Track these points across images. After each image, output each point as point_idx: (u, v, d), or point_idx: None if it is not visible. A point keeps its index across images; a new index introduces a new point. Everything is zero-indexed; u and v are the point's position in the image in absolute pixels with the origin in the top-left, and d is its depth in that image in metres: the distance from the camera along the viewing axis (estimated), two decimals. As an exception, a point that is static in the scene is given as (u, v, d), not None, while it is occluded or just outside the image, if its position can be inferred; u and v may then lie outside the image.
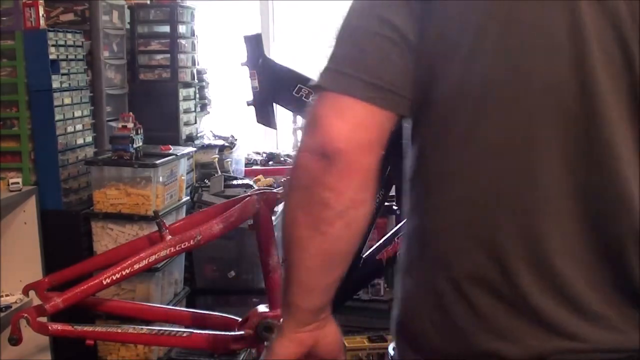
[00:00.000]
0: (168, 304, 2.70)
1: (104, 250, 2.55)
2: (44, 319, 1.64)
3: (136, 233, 2.54)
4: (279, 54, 4.01)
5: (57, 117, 2.59)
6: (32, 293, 2.03)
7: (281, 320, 0.98)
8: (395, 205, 2.22)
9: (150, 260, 1.44)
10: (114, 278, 1.52)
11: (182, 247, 1.62)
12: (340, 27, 0.90)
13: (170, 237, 1.62)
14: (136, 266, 1.48)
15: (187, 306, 2.96)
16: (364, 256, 2.04)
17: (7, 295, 2.50)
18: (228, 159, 3.35)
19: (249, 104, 1.65)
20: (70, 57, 2.68)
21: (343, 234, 0.90)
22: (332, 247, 0.91)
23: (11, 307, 2.44)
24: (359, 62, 0.88)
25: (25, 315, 1.56)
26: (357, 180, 0.89)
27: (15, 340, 1.60)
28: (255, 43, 1.53)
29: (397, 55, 0.87)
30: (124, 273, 1.50)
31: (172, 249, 1.61)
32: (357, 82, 0.87)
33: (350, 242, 0.93)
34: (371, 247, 2.07)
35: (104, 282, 1.54)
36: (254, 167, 3.60)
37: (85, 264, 1.77)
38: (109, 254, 1.77)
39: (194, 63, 3.38)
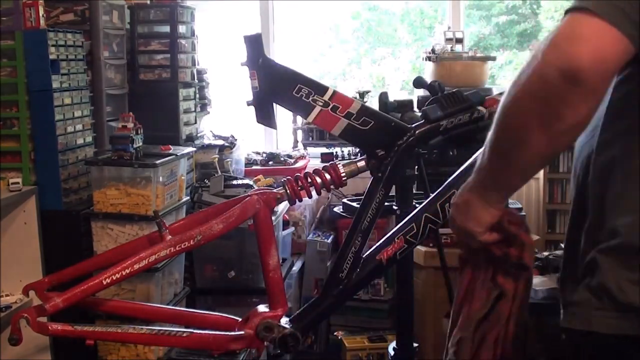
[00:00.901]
0: (168, 304, 2.70)
1: (104, 250, 2.56)
2: (44, 319, 1.64)
3: (136, 233, 2.54)
4: (279, 54, 4.01)
5: (57, 117, 2.59)
6: (32, 293, 2.03)
7: (481, 194, 1.19)
8: (395, 206, 2.21)
9: (150, 260, 1.44)
10: (114, 278, 1.52)
11: (182, 247, 1.62)
12: None
13: (170, 237, 1.62)
14: (136, 266, 1.48)
15: (187, 306, 2.96)
16: (364, 256, 2.04)
17: (7, 295, 2.50)
18: (228, 159, 3.35)
19: (249, 104, 1.65)
20: (70, 57, 2.68)
21: (564, 144, 1.08)
22: (549, 151, 1.09)
23: (11, 307, 2.44)
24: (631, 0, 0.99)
25: (25, 315, 1.56)
26: (595, 103, 1.02)
27: (16, 340, 1.60)
28: (255, 43, 1.53)
29: None
30: (124, 273, 1.50)
31: (172, 249, 1.61)
32: (626, 18, 0.98)
33: (560, 151, 1.21)
34: (371, 247, 2.07)
35: (104, 282, 1.53)
36: (254, 167, 3.60)
37: (85, 264, 1.77)
38: (109, 254, 1.77)
39: (194, 63, 3.38)
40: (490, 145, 1.14)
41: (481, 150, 1.18)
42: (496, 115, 1.11)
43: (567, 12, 1.03)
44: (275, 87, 1.68)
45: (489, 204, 1.19)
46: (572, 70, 0.97)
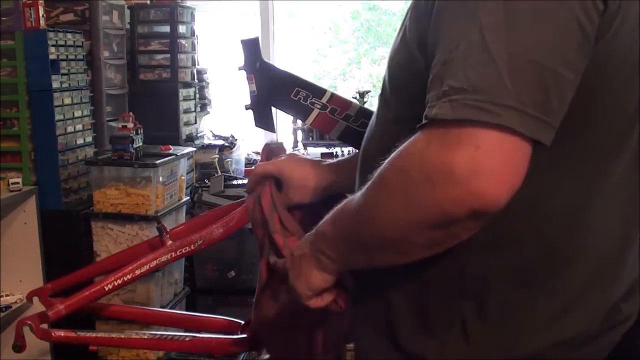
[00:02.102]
0: (168, 304, 2.71)
1: (104, 250, 2.56)
2: (46, 326, 1.65)
3: (136, 233, 2.54)
4: (278, 54, 4.02)
5: (57, 117, 2.59)
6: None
7: (317, 257, 0.99)
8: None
9: (151, 266, 1.45)
10: (116, 284, 1.53)
11: (183, 252, 1.63)
12: (516, 59, 0.78)
13: (171, 242, 1.62)
14: (137, 272, 1.49)
15: (187, 306, 2.96)
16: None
17: (7, 295, 2.51)
18: (228, 159, 3.35)
19: (247, 108, 1.65)
20: (70, 57, 2.68)
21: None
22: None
23: (11, 307, 2.44)
24: (546, 105, 0.79)
25: (29, 322, 1.57)
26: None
27: (20, 347, 1.62)
28: (252, 47, 1.53)
29: (571, 96, 0.83)
30: (125, 279, 1.51)
31: (173, 254, 1.61)
32: (546, 127, 0.80)
33: None
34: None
35: (106, 288, 1.54)
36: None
37: (88, 270, 1.78)
38: (111, 260, 1.78)
39: (194, 63, 3.38)
40: (347, 233, 0.93)
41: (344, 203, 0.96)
42: (362, 217, 0.89)
43: (439, 120, 0.80)
44: (273, 90, 1.68)
45: (324, 270, 0.98)
46: (486, 209, 0.78)
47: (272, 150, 1.35)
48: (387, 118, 1.01)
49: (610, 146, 0.91)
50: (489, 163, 0.77)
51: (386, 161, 0.85)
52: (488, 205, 0.78)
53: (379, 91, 1.06)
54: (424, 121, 0.81)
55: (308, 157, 1.34)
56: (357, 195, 0.91)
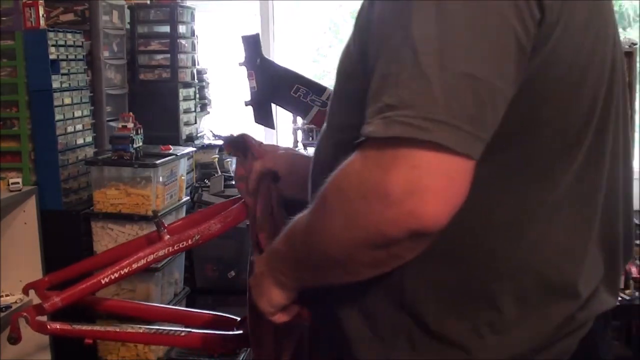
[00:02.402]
0: (168, 304, 2.71)
1: (104, 250, 2.56)
2: (43, 318, 1.64)
3: (136, 233, 2.54)
4: (278, 54, 4.02)
5: (57, 117, 2.59)
6: (31, 293, 2.03)
7: (274, 275, 0.98)
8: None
9: (148, 260, 1.44)
10: (113, 277, 1.52)
11: (181, 246, 1.63)
12: (449, 72, 0.75)
13: (168, 236, 1.62)
14: (134, 265, 1.49)
15: (187, 306, 2.96)
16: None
17: (7, 295, 2.51)
18: (228, 159, 3.35)
19: (247, 104, 1.66)
20: (70, 57, 2.68)
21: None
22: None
23: (11, 307, 2.44)
24: (478, 119, 0.76)
25: (25, 314, 1.56)
26: None
27: (15, 339, 1.61)
28: (253, 43, 1.53)
29: (504, 108, 0.80)
30: (122, 272, 1.51)
31: (170, 248, 1.61)
32: (478, 142, 0.76)
33: None
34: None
35: (102, 282, 1.54)
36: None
37: (85, 263, 1.78)
38: (109, 254, 1.77)
39: (194, 63, 3.38)
40: (298, 252, 0.92)
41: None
42: (308, 238, 0.88)
43: (375, 137, 0.77)
44: (273, 87, 1.68)
45: (283, 287, 0.98)
46: (424, 229, 0.76)
47: (237, 144, 1.35)
48: (332, 124, 1.00)
49: (555, 156, 0.88)
50: (425, 182, 0.74)
51: (328, 180, 0.83)
52: (426, 225, 0.75)
53: None
54: (360, 139, 0.79)
55: (304, 153, 1.34)
56: (306, 212, 0.90)
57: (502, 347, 0.90)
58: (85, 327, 1.70)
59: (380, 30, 0.82)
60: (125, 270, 1.50)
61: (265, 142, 1.20)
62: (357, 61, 0.89)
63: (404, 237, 0.77)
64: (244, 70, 1.70)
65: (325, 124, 1.03)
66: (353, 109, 0.87)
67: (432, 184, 0.74)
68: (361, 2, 0.91)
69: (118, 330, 1.70)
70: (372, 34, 0.85)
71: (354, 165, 0.79)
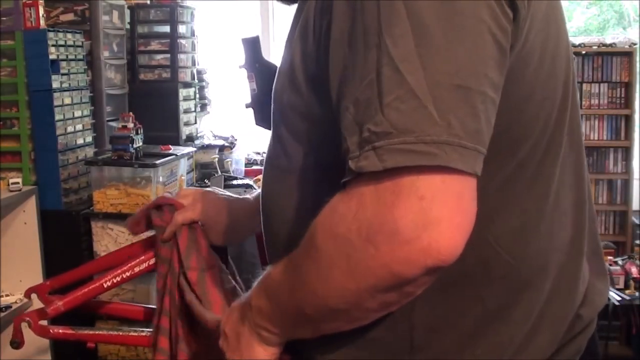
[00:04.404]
0: (168, 304, 2.71)
1: (104, 250, 2.56)
2: (45, 322, 1.64)
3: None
4: (279, 54, 4.01)
5: (57, 117, 2.59)
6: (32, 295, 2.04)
7: (257, 332, 0.89)
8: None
9: (150, 263, 1.44)
10: (115, 281, 1.52)
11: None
12: (439, 87, 0.69)
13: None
14: (137, 269, 1.49)
15: (187, 306, 2.96)
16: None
17: (7, 295, 2.51)
18: (228, 159, 3.35)
19: (247, 106, 1.66)
20: (70, 57, 2.68)
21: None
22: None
23: (11, 307, 2.44)
24: (477, 133, 0.70)
25: (28, 319, 1.57)
26: None
27: (18, 343, 1.61)
28: (252, 45, 1.53)
29: (495, 116, 0.74)
30: (124, 276, 1.51)
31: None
32: (480, 157, 0.71)
33: None
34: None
35: (105, 285, 1.54)
36: (254, 167, 3.60)
37: (87, 267, 1.77)
38: (111, 257, 1.77)
39: (194, 63, 3.38)
40: (287, 308, 0.83)
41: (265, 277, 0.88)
42: (300, 293, 0.80)
43: (367, 172, 0.70)
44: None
45: (267, 343, 0.89)
46: (442, 263, 0.69)
47: (141, 220, 1.36)
48: (284, 167, 0.90)
49: (545, 155, 0.85)
50: (435, 214, 0.67)
51: (313, 226, 0.75)
52: (444, 259, 0.69)
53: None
54: (348, 176, 0.71)
55: (225, 194, 1.29)
56: (283, 265, 0.82)
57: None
58: (87, 331, 1.70)
59: (344, 53, 0.74)
60: (128, 273, 1.50)
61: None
62: (306, 93, 0.82)
63: (420, 275, 0.70)
64: (244, 72, 1.71)
65: (268, 162, 0.95)
66: (310, 148, 0.82)
67: (443, 213, 0.67)
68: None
69: (121, 333, 1.71)
70: (333, 59, 0.75)
71: (348, 207, 0.71)
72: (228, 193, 1.34)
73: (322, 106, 0.80)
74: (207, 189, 1.34)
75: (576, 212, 0.92)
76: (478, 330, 0.85)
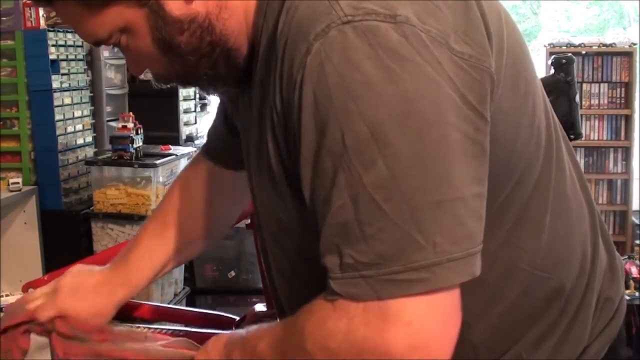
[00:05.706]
0: (168, 304, 2.71)
1: (104, 250, 2.56)
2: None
3: (136, 233, 2.54)
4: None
5: (57, 117, 2.60)
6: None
7: None
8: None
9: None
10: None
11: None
12: (418, 208, 0.68)
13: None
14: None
15: (187, 306, 2.96)
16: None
17: (7, 295, 2.51)
18: (228, 159, 3.35)
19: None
20: (70, 57, 2.69)
21: None
22: None
23: (11, 306, 2.45)
24: (468, 237, 0.70)
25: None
26: None
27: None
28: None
29: (484, 204, 0.73)
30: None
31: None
32: (475, 255, 0.70)
33: None
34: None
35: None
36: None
37: (85, 262, 1.78)
38: (109, 253, 1.78)
39: (194, 63, 3.38)
40: None
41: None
42: None
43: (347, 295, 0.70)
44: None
45: None
46: None
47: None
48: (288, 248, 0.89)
49: (547, 178, 0.86)
50: (425, 336, 0.68)
51: (301, 331, 0.74)
52: None
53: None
54: (331, 294, 0.71)
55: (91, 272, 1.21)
56: (272, 346, 0.80)
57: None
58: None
59: (313, 174, 0.72)
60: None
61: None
62: (290, 201, 0.81)
63: None
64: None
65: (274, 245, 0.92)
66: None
67: (431, 336, 0.68)
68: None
69: (115, 329, 1.71)
70: (310, 180, 0.73)
71: (337, 326, 0.70)
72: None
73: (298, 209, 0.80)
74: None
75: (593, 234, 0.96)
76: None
